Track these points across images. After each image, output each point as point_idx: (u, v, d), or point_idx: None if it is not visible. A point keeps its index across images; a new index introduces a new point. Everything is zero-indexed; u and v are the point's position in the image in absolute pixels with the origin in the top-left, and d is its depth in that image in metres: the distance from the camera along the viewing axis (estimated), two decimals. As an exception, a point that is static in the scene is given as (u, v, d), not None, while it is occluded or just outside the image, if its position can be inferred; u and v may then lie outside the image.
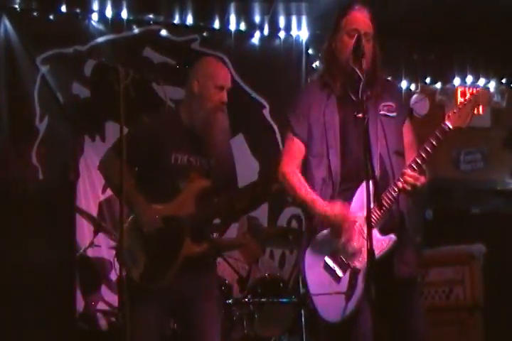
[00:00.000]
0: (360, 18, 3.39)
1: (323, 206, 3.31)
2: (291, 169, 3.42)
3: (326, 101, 3.43)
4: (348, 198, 3.33)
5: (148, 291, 3.46)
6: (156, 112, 3.90)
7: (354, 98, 3.31)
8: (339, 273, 3.29)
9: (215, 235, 5.12)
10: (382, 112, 3.42)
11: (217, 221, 6.39)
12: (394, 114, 3.45)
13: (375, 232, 3.22)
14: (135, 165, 3.65)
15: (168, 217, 3.56)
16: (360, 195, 3.28)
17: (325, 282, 3.30)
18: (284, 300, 5.07)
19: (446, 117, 3.31)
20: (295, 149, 3.45)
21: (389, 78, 6.99)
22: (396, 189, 3.29)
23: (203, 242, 3.65)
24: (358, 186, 3.30)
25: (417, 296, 3.53)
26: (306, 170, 3.44)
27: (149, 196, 3.58)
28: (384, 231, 3.29)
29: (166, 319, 3.68)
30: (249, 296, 5.04)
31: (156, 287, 3.46)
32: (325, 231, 3.36)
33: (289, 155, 3.46)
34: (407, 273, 3.37)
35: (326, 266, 3.32)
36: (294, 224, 6.59)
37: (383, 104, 3.43)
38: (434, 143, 3.27)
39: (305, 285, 3.35)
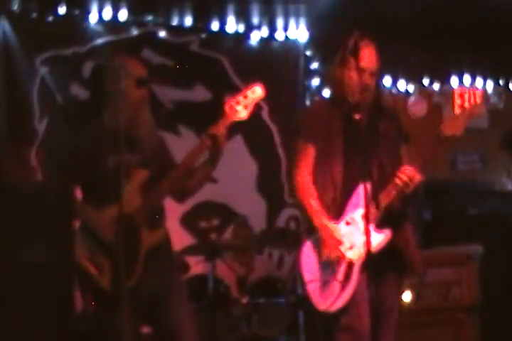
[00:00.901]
0: (369, 56, 3.59)
1: (323, 220, 3.56)
2: (305, 180, 3.63)
3: (331, 116, 3.64)
4: (345, 197, 3.59)
5: (119, 294, 3.48)
6: (79, 128, 3.93)
7: (352, 101, 3.56)
8: (335, 264, 3.51)
9: (213, 236, 5.16)
10: (382, 132, 3.65)
11: (216, 222, 6.48)
12: (393, 137, 3.68)
13: (371, 228, 3.41)
14: (77, 182, 3.70)
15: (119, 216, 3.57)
16: (359, 194, 3.53)
17: (322, 272, 3.53)
18: (282, 300, 5.09)
19: (443, 126, 3.57)
20: (309, 156, 3.64)
21: (386, 80, 7.08)
22: (394, 184, 3.52)
23: (160, 229, 3.67)
24: (356, 186, 3.55)
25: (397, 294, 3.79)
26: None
27: (99, 202, 3.61)
28: (380, 228, 3.54)
29: (140, 321, 3.69)
30: (247, 297, 5.06)
31: (127, 288, 3.46)
32: None
33: (302, 162, 3.65)
34: (416, 270, 3.65)
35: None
36: (292, 225, 6.61)
37: (383, 126, 3.66)
38: (430, 149, 3.55)
39: (300, 272, 3.59)
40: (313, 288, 3.52)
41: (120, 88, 3.41)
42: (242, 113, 3.62)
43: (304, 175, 3.63)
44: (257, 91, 3.65)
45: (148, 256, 3.58)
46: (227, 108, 3.61)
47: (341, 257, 3.50)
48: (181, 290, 3.74)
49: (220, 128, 3.61)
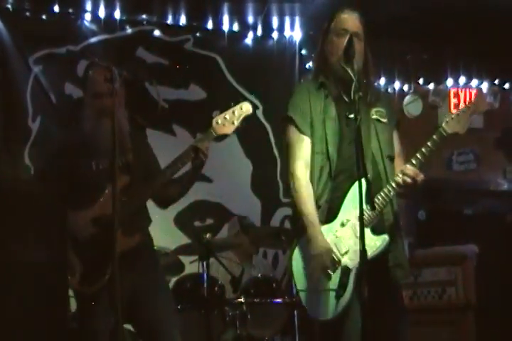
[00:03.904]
0: (349, 19, 3.45)
1: (317, 232, 3.32)
2: (304, 175, 3.39)
3: (325, 101, 3.46)
4: (339, 197, 3.36)
5: (94, 296, 3.52)
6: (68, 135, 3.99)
7: (346, 99, 3.38)
8: (329, 270, 3.28)
9: (208, 235, 5.13)
10: (374, 117, 3.47)
11: (210, 221, 6.47)
12: (385, 120, 3.50)
13: (368, 232, 3.24)
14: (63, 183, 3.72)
15: (95, 218, 3.60)
16: (353, 194, 3.31)
17: (315, 279, 3.29)
18: (277, 300, 5.07)
19: (445, 122, 3.38)
20: (304, 147, 3.43)
21: (382, 79, 7.07)
22: (394, 185, 3.32)
23: (136, 234, 3.68)
24: (350, 185, 3.34)
25: (402, 295, 3.55)
26: None
27: (79, 204, 3.64)
28: (377, 231, 3.31)
29: (125, 320, 3.70)
30: (242, 297, 5.04)
31: (96, 290, 3.47)
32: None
33: (300, 156, 3.42)
34: (402, 276, 3.42)
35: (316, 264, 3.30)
36: (287, 224, 6.59)
37: (375, 109, 3.49)
38: (431, 146, 3.34)
39: (294, 282, 3.35)
40: (309, 298, 3.29)
41: (114, 87, 3.39)
42: (228, 128, 3.68)
43: (302, 168, 3.39)
44: (245, 108, 3.69)
45: (123, 258, 3.58)
46: (214, 123, 3.66)
47: (337, 266, 3.27)
48: (163, 291, 3.78)
49: (205, 143, 3.66)
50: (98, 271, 3.51)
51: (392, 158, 3.47)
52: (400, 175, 3.32)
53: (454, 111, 3.50)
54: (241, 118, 3.68)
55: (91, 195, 3.59)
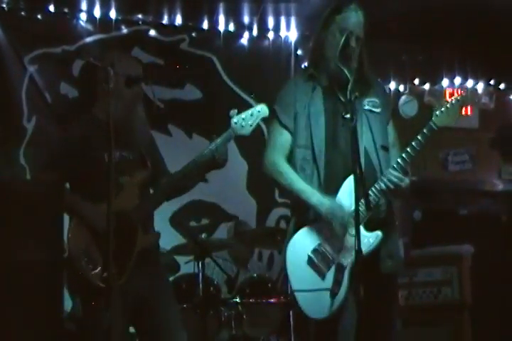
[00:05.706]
0: (356, 20, 3.38)
1: (320, 197, 3.29)
2: (279, 159, 3.40)
3: (311, 93, 3.43)
4: (332, 192, 3.32)
5: (108, 292, 3.48)
6: (73, 123, 3.95)
7: (342, 99, 3.33)
8: (323, 269, 3.28)
9: (203, 235, 5.14)
10: (367, 107, 3.43)
11: (206, 221, 6.46)
12: (379, 110, 3.45)
13: (361, 229, 3.17)
14: (67, 179, 3.72)
15: (116, 213, 3.51)
16: (346, 190, 3.29)
17: (309, 278, 3.29)
18: (273, 300, 5.07)
19: (434, 115, 3.35)
20: (282, 140, 3.43)
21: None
22: (380, 188, 3.28)
23: (153, 232, 3.71)
24: (342, 180, 3.31)
25: (397, 291, 3.56)
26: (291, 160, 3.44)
27: (94, 198, 3.61)
28: (370, 228, 3.28)
29: (127, 321, 3.69)
30: (237, 297, 5.04)
31: (117, 285, 3.45)
32: (307, 227, 3.35)
33: (276, 146, 3.44)
34: (392, 267, 3.37)
35: (310, 262, 3.31)
36: (283, 224, 6.59)
37: (368, 99, 3.44)
38: (421, 140, 3.30)
39: (288, 282, 3.35)
40: (303, 298, 3.29)
41: (109, 87, 3.38)
42: (246, 130, 3.64)
43: (280, 158, 3.39)
44: (263, 110, 3.66)
45: (139, 257, 3.57)
46: (232, 123, 3.63)
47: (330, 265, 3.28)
48: (168, 292, 3.77)
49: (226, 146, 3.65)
50: (119, 266, 3.47)
51: (386, 148, 3.43)
52: (385, 180, 3.28)
53: (449, 101, 3.42)
54: (258, 120, 3.65)
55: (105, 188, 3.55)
